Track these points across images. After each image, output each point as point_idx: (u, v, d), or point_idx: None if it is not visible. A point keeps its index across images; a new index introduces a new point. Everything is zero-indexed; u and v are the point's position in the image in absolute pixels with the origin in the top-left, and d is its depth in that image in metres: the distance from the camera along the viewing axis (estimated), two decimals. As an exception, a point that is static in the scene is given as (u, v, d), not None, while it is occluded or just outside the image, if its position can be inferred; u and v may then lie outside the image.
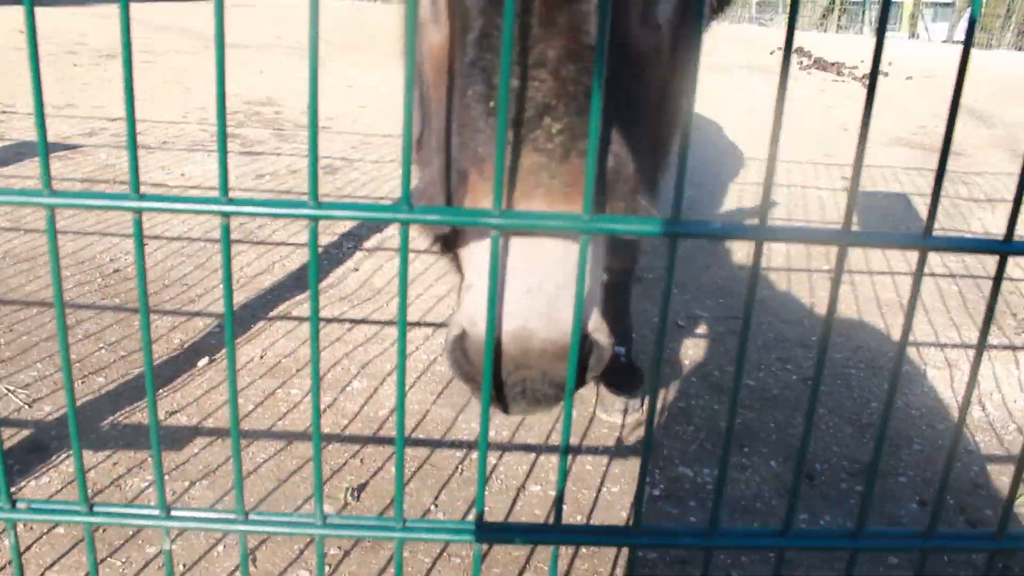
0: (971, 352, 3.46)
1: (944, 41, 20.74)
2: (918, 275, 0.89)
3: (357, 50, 10.86)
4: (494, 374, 1.16)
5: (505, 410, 1.26)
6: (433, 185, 1.73)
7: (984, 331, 0.95)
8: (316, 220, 0.88)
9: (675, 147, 1.63)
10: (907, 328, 0.91)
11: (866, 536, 1.11)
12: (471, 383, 1.26)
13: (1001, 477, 2.65)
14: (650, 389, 0.97)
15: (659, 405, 2.88)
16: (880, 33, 0.80)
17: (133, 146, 0.85)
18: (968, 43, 0.85)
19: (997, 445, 2.84)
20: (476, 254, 1.21)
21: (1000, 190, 5.87)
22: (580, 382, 1.24)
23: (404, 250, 0.91)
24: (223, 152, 0.84)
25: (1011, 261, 3.71)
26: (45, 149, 0.86)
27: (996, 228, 4.92)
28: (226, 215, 0.87)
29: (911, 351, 3.41)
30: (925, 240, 0.89)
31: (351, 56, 10.26)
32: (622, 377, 2.81)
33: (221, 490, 2.29)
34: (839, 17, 23.27)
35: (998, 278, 0.90)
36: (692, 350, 3.31)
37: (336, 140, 6.02)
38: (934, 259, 4.31)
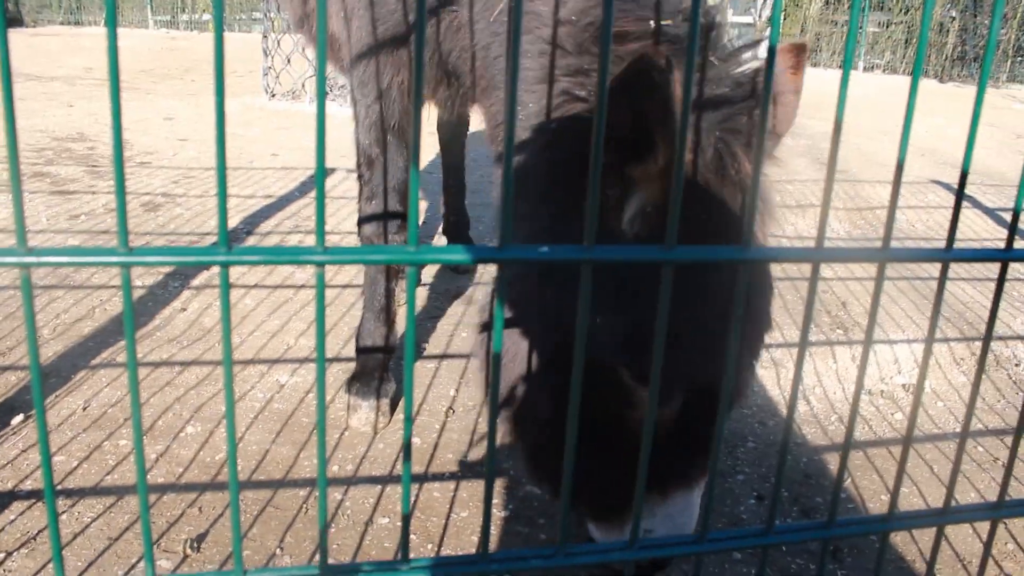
0: (794, 351, 3.67)
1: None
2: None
3: (174, 80, 10.49)
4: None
5: None
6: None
7: (805, 331, 1.01)
8: (128, 267, 0.84)
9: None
10: (736, 337, 0.95)
11: (709, 540, 1.15)
12: None
13: (829, 466, 2.81)
14: (489, 415, 0.98)
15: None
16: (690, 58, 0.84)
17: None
18: (770, 70, 0.90)
19: (823, 436, 3.01)
20: None
21: (808, 196, 6.27)
22: None
23: (225, 294, 0.88)
24: (18, 197, 0.79)
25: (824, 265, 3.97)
26: None
27: (808, 232, 5.24)
28: (26, 266, 0.82)
29: (738, 354, 3.58)
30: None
31: (169, 86, 9.90)
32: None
33: (43, 557, 2.13)
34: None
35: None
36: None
37: (157, 175, 5.79)
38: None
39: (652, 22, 1.72)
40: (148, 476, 2.47)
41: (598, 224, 1.50)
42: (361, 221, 2.73)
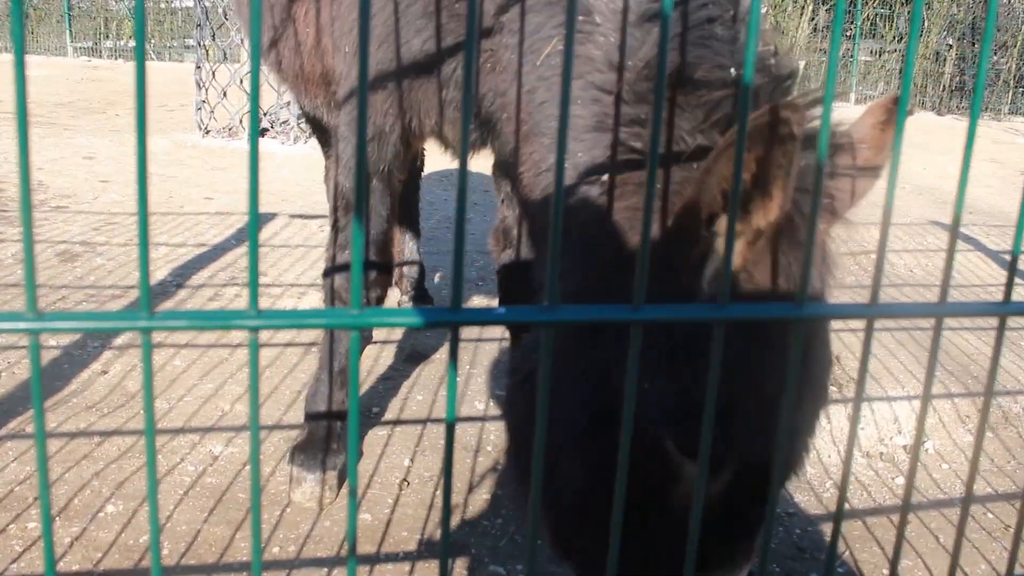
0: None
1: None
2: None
3: (96, 114, 10.46)
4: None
5: None
6: None
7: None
8: (36, 334, 0.84)
9: None
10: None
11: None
12: None
13: (824, 537, 2.82)
14: (444, 488, 0.98)
15: (456, 495, 2.89)
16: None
17: None
18: (744, 106, 0.92)
19: (817, 504, 3.03)
20: None
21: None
22: None
23: (147, 361, 0.87)
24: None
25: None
26: None
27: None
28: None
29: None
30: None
31: (90, 121, 9.86)
32: None
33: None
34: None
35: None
36: (495, 435, 3.35)
37: (75, 220, 5.75)
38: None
39: (732, 70, 1.74)
40: (61, 563, 2.42)
41: (674, 283, 1.58)
42: (330, 272, 2.72)
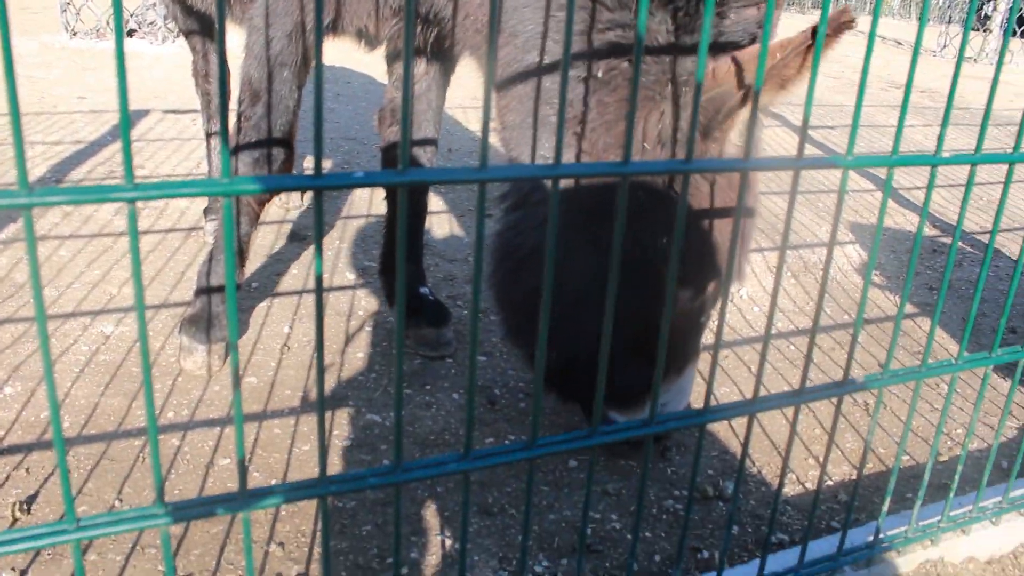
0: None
1: None
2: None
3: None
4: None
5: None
6: None
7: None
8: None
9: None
10: (552, 249, 1.00)
11: (538, 445, 1.22)
12: None
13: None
14: (316, 344, 0.99)
15: (331, 355, 2.91)
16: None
17: None
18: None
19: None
20: None
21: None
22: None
23: (31, 239, 0.85)
24: None
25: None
26: None
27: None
28: None
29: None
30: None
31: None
32: (437, 313, 3.03)
33: None
34: None
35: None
36: (364, 301, 3.36)
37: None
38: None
39: None
40: (-34, 441, 2.35)
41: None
42: (235, 154, 2.60)
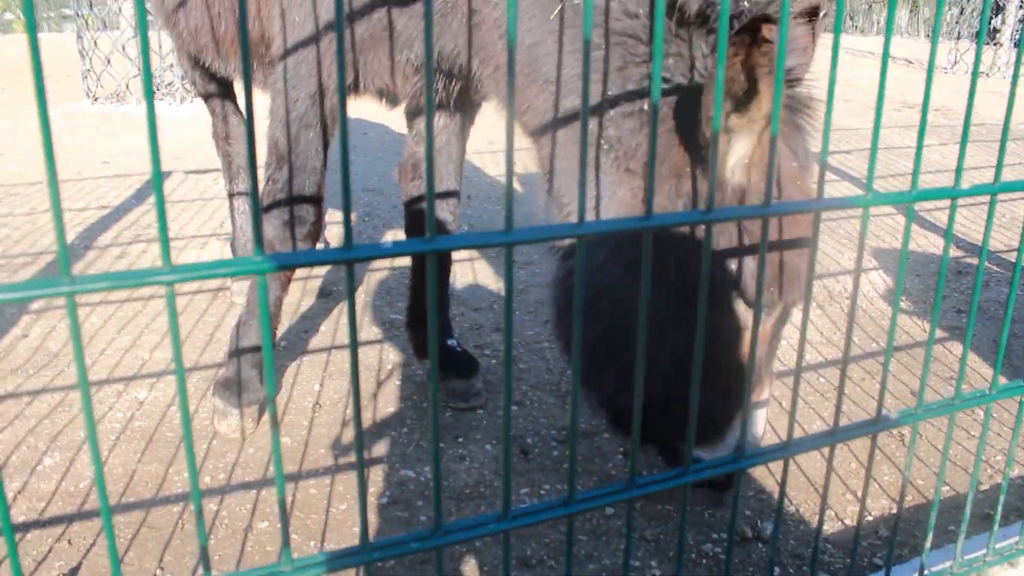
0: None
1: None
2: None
3: (-17, 93, 9.84)
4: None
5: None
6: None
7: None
8: (-34, 309, 0.83)
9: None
10: (579, 303, 1.01)
11: (576, 501, 1.22)
12: None
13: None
14: (354, 412, 1.00)
15: (363, 411, 2.92)
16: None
17: None
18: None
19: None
20: None
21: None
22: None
23: (74, 321, 0.87)
24: None
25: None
26: None
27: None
28: None
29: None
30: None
31: (-23, 100, 9.28)
32: (466, 364, 3.04)
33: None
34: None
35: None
36: (393, 355, 3.38)
37: (-25, 196, 5.46)
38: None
39: (746, 1, 1.88)
40: (9, 515, 2.37)
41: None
42: (264, 214, 2.61)
